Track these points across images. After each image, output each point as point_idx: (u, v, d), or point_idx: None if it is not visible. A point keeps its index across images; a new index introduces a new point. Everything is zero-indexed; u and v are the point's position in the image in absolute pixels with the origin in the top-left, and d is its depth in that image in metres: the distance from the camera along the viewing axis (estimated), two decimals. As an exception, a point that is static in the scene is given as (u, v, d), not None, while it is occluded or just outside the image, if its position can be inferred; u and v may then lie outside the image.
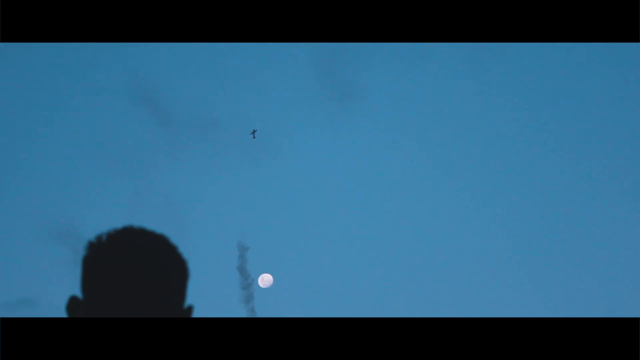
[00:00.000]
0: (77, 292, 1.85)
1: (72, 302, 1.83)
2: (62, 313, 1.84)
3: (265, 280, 30.93)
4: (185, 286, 1.86)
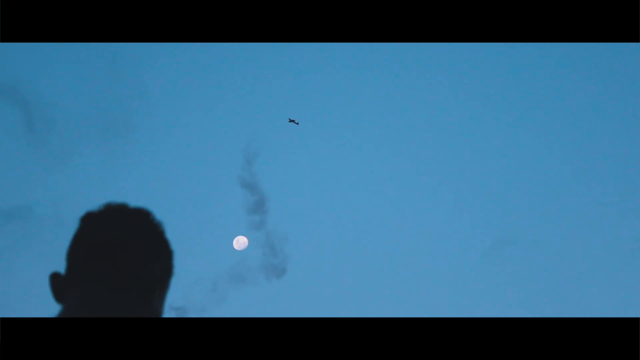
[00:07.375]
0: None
1: (54, 278, 1.86)
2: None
3: (240, 242, 29.30)
4: (167, 284, 1.89)
